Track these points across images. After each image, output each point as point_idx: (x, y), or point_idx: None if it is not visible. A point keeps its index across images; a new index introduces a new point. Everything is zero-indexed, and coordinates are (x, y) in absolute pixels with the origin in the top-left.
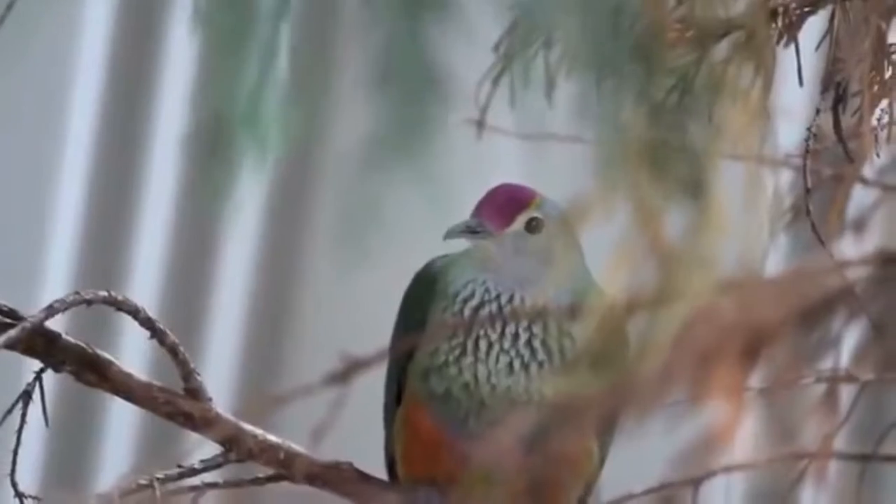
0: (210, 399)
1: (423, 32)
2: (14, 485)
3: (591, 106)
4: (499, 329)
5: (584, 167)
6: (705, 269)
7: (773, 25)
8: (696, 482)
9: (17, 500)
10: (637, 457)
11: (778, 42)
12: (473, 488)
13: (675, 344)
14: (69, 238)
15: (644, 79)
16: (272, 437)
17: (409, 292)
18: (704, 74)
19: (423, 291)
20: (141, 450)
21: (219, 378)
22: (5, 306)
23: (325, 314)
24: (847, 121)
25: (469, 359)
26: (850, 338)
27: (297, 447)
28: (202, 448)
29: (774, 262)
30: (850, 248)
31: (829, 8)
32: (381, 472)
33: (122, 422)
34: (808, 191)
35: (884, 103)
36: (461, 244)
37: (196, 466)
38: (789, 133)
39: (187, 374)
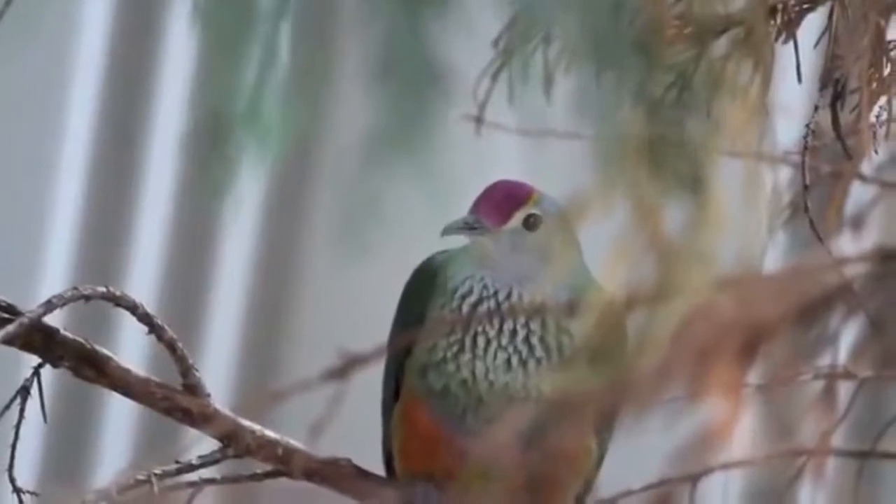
0: (208, 395)
1: (423, 27)
2: (12, 480)
3: (591, 102)
4: (497, 326)
5: (583, 164)
6: (704, 265)
7: (772, 22)
8: (694, 479)
9: (15, 496)
10: (635, 453)
11: (777, 39)
12: (471, 484)
13: (673, 340)
14: (67, 233)
15: (643, 75)
16: (270, 433)
17: (409, 287)
18: (703, 71)
19: (423, 287)
20: (139, 445)
21: (217, 374)
22: (3, 301)
23: (323, 310)
24: (846, 117)
25: (467, 355)
26: (849, 334)
27: (295, 443)
28: (200, 444)
29: (773, 259)
30: (848, 244)
31: (828, 5)
32: (379, 468)
33: (120, 417)
34: (806, 187)
35: (882, 100)
36: (461, 240)
37: (194, 462)
38: (788, 130)
39: (185, 370)
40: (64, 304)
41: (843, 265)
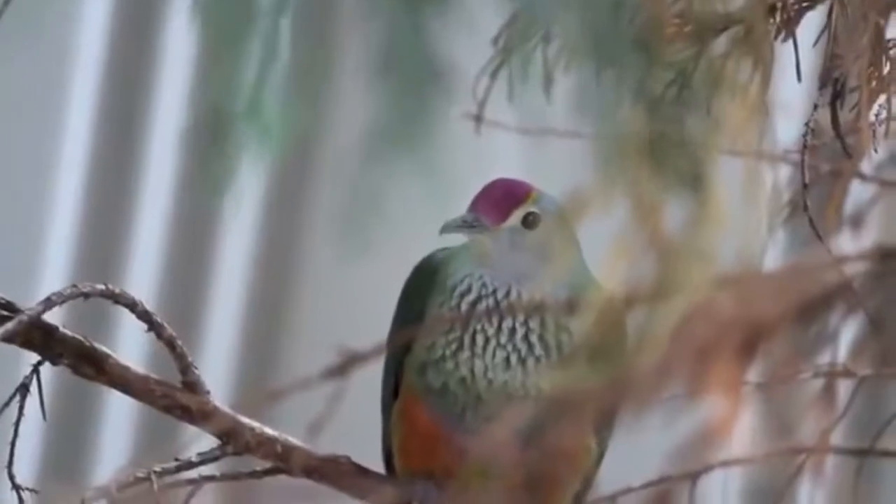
0: (208, 392)
1: (424, 24)
2: (11, 477)
3: (590, 100)
4: (496, 324)
5: (583, 162)
6: (704, 263)
7: (772, 20)
8: (693, 476)
9: (14, 493)
10: (635, 451)
11: (776, 37)
12: (470, 482)
13: (673, 338)
14: (67, 231)
15: (643, 72)
16: (270, 431)
17: (408, 285)
18: (703, 69)
19: (422, 284)
20: (138, 443)
21: (216, 371)
22: (3, 299)
23: (323, 308)
24: (845, 116)
25: (466, 353)
26: (848, 333)
27: (294, 440)
28: (199, 441)
29: (772, 258)
30: (847, 243)
31: (828, 3)
32: (378, 466)
33: (119, 415)
34: (805, 186)
35: (882, 99)
36: (461, 238)
37: (193, 459)
38: (787, 128)
39: (185, 368)
40: (63, 302)
41: (842, 264)
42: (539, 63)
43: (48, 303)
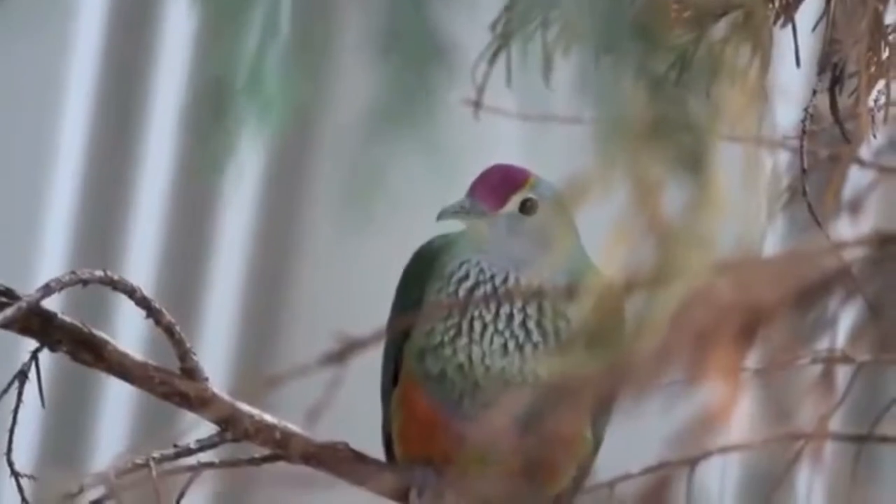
0: (206, 379)
1: (426, 2)
2: (10, 464)
3: (591, 83)
4: (493, 310)
5: (582, 148)
6: (703, 249)
7: (771, 6)
8: (692, 462)
9: (13, 480)
10: (634, 437)
11: (775, 22)
12: (469, 468)
13: (671, 324)
14: (65, 217)
15: (643, 54)
16: (268, 418)
17: (407, 271)
18: (702, 55)
19: (421, 270)
20: (137, 429)
21: (215, 358)
22: (1, 286)
23: (322, 294)
24: (844, 102)
25: (464, 340)
26: (847, 318)
27: (293, 427)
28: (198, 428)
29: (771, 243)
30: (846, 228)
31: None
32: (376, 453)
33: (118, 401)
34: (804, 172)
35: (881, 84)
36: (461, 223)
37: (192, 446)
38: (786, 114)
39: (183, 354)
40: (62, 289)
41: (841, 249)
42: (538, 48)
43: (47, 289)
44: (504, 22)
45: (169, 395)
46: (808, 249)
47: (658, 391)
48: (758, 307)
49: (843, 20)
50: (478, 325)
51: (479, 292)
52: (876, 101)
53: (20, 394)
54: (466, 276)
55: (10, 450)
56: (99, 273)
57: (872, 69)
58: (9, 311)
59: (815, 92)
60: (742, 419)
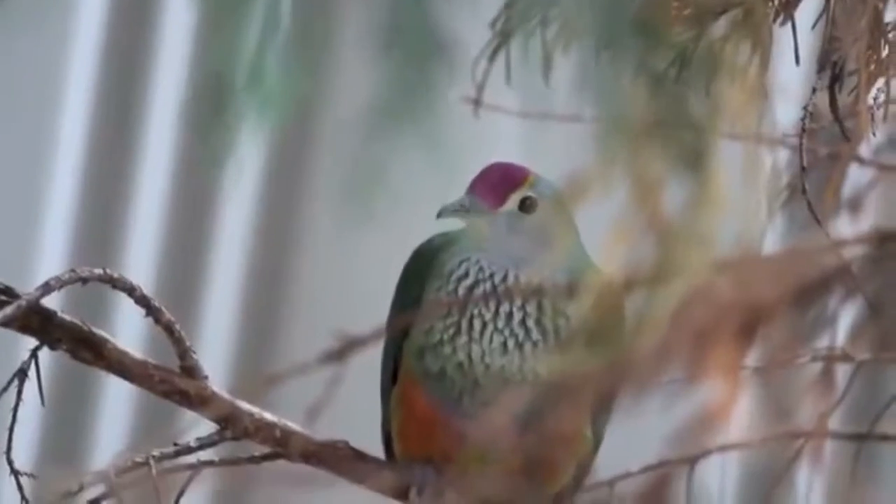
0: (206, 377)
1: None
2: (10, 462)
3: (590, 80)
4: (493, 308)
5: (583, 145)
6: (702, 247)
7: (770, 3)
8: (692, 461)
9: (13, 478)
10: (633, 435)
11: (775, 20)
12: (469, 467)
13: (671, 322)
14: (65, 213)
15: (644, 51)
16: (268, 416)
17: (407, 269)
18: (702, 52)
19: (420, 269)
20: (137, 428)
21: (215, 356)
22: (1, 284)
23: (322, 291)
24: (843, 100)
25: (463, 338)
26: (846, 317)
27: (293, 425)
28: (198, 426)
29: (771, 241)
30: (846, 227)
31: None
32: (376, 451)
33: (117, 400)
34: (804, 170)
35: (880, 82)
36: (460, 221)
37: (192, 445)
38: (786, 112)
39: (183, 352)
40: (61, 287)
41: (840, 247)
42: (538, 46)
43: (46, 287)
44: (504, 20)
45: (169, 394)
46: (807, 247)
47: (658, 389)
48: (757, 305)
49: (843, 18)
50: (477, 324)
51: (479, 290)
52: (875, 99)
53: (20, 392)
54: (466, 275)
55: (9, 448)
56: (98, 271)
57: (872, 67)
58: (8, 310)
59: (814, 90)
60: (742, 417)
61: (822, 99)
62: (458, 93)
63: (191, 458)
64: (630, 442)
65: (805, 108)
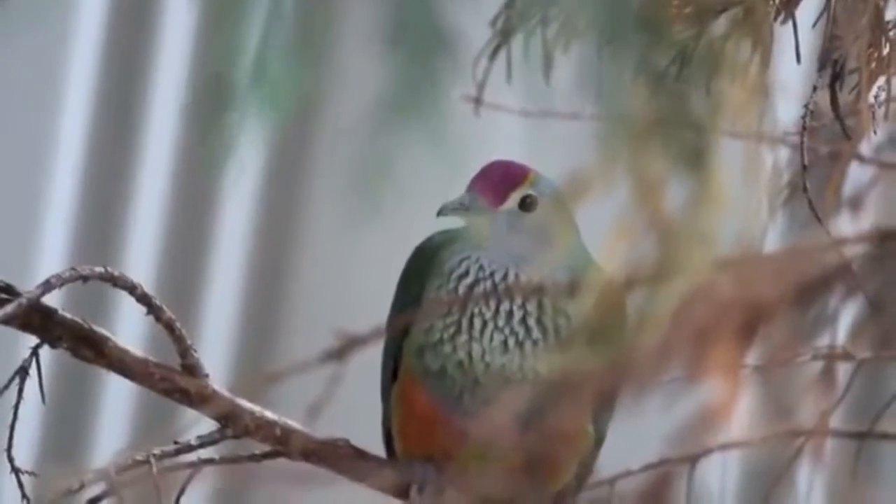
0: (207, 375)
1: None
2: (11, 460)
3: (591, 78)
4: (493, 307)
5: (583, 144)
6: (703, 245)
7: (771, 2)
8: (692, 459)
9: (13, 476)
10: (634, 434)
11: (775, 18)
12: (469, 465)
13: (672, 321)
14: (65, 212)
15: (645, 48)
16: (269, 414)
17: (407, 268)
18: (703, 51)
19: (421, 267)
20: (137, 426)
21: (216, 354)
22: (1, 282)
23: (322, 290)
24: (844, 98)
25: (463, 336)
26: (847, 315)
27: (293, 424)
28: (199, 424)
29: (771, 240)
30: (846, 225)
31: None
32: (377, 449)
33: (118, 398)
34: (805, 168)
35: (881, 80)
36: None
37: (192, 443)
38: (787, 110)
39: (184, 351)
40: (62, 285)
41: (841, 246)
42: (538, 44)
43: (47, 285)
44: (504, 18)
45: (169, 392)
46: (808, 246)
47: (659, 388)
48: (758, 304)
49: (844, 16)
50: (478, 322)
51: (479, 289)
52: (876, 97)
53: (21, 390)
54: (466, 273)
55: (10, 446)
56: (99, 269)
57: (873, 65)
58: (9, 308)
59: (815, 88)
60: (742, 416)
61: (823, 97)
62: (459, 91)
63: (191, 457)
64: (631, 440)
65: (806, 106)
